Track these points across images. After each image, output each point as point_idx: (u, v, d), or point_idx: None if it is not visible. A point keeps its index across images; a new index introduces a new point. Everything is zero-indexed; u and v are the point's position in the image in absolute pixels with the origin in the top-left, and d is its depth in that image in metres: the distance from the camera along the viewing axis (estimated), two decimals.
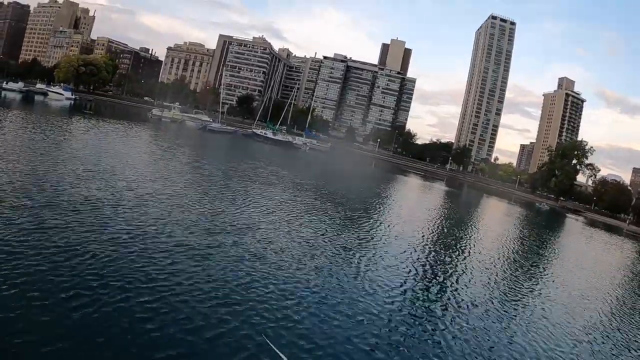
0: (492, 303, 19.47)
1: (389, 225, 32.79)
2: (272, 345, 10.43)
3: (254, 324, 12.18)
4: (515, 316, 18.57)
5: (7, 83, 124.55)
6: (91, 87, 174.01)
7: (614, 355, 17.27)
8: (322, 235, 24.55)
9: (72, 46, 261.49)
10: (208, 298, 13.25)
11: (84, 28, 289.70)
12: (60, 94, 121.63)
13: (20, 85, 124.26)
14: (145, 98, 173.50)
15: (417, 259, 24.21)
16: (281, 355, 9.73)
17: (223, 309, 12.72)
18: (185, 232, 19.06)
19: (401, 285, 18.81)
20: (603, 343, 18.33)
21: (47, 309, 10.55)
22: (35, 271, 12.27)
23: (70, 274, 12.58)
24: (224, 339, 11.09)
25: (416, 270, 21.96)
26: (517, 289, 23.28)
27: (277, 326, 12.43)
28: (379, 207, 42.99)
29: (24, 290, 11.12)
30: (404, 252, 25.08)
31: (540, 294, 23.65)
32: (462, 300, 18.91)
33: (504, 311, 18.74)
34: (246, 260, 17.21)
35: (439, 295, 19.07)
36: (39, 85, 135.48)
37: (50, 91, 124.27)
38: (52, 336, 9.55)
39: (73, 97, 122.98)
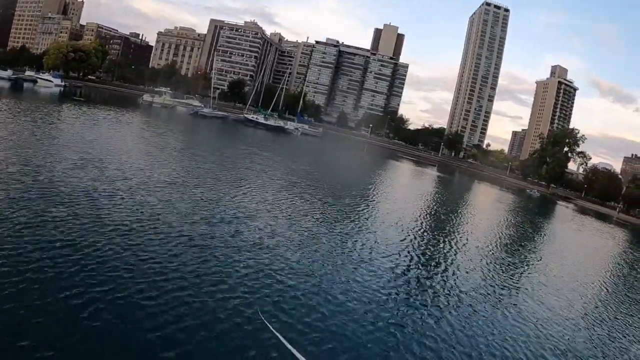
0: (484, 288, 19.75)
1: (380, 211, 33.02)
2: (267, 323, 10.70)
3: (250, 304, 12.42)
4: (507, 301, 18.85)
5: None
6: (81, 74, 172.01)
7: (606, 340, 17.59)
8: (314, 220, 24.74)
9: (61, 32, 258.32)
10: (204, 283, 13.48)
11: (72, 14, 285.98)
12: (50, 81, 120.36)
13: (9, 72, 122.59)
14: (141, 87, 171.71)
15: (408, 245, 24.42)
16: (278, 334, 9.90)
17: (219, 294, 12.94)
18: (179, 219, 19.16)
19: (393, 270, 19.03)
20: (595, 328, 18.65)
21: (44, 303, 10.63)
22: (32, 263, 12.34)
23: (65, 265, 12.67)
24: (222, 322, 11.35)
25: (407, 255, 22.21)
26: (508, 274, 23.60)
27: (273, 309, 12.73)
28: (371, 193, 43.18)
29: (19, 282, 11.18)
30: (396, 237, 25.30)
31: (532, 279, 24.01)
32: (454, 285, 19.16)
33: (496, 297, 18.99)
34: (242, 247, 17.41)
35: (431, 280, 19.29)
36: (28, 73, 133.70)
37: (39, 78, 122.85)
38: (51, 332, 9.65)
39: (62, 84, 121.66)
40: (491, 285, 20.31)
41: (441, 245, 26.68)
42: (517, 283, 22.21)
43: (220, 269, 14.67)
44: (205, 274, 14.06)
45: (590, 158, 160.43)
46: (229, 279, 14.06)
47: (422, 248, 24.55)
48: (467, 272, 21.54)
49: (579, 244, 46.79)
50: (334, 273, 16.76)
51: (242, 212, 22.60)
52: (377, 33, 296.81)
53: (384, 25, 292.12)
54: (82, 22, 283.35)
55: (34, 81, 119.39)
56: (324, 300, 14.05)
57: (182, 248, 15.75)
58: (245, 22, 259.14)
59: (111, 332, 9.93)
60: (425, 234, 28.96)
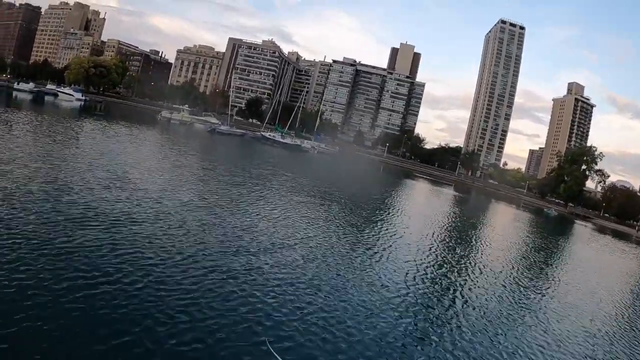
0: (502, 309, 19.25)
1: (397, 230, 32.58)
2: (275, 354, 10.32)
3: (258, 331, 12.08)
4: (526, 323, 18.37)
5: (18, 84, 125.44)
6: (101, 89, 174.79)
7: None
8: (331, 238, 24.46)
9: (83, 48, 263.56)
10: (220, 297, 13.26)
11: (94, 30, 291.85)
12: (71, 95, 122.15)
13: (31, 85, 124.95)
14: (160, 103, 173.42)
15: (425, 264, 24.02)
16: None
17: (232, 311, 12.64)
18: (197, 236, 18.96)
19: (410, 289, 18.72)
20: (613, 346, 18.12)
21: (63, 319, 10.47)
22: (49, 283, 12.14)
23: (84, 284, 12.49)
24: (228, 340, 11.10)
25: (424, 274, 21.85)
26: (526, 295, 23.03)
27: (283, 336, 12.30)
28: (388, 212, 42.77)
29: (39, 299, 11.05)
30: (413, 256, 24.94)
31: (551, 300, 23.39)
32: (472, 304, 18.73)
33: (514, 319, 18.51)
34: (261, 263, 17.18)
35: (448, 301, 18.89)
36: (49, 86, 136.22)
37: (60, 92, 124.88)
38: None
39: (83, 98, 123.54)
40: (508, 307, 19.80)
41: (458, 266, 26.13)
42: (536, 305, 21.61)
43: (236, 284, 14.47)
44: (220, 284, 13.90)
45: (609, 176, 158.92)
46: (240, 299, 13.78)
47: (438, 268, 24.06)
48: (484, 293, 21.06)
49: (598, 264, 45.78)
50: (348, 297, 16.33)
51: (258, 228, 22.40)
52: (394, 52, 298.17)
53: (401, 44, 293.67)
54: (104, 38, 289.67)
55: (55, 94, 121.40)
56: (336, 329, 13.47)
57: (197, 262, 15.56)
58: (263, 41, 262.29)
59: (112, 340, 9.82)
60: (441, 253, 28.47)
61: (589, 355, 16.61)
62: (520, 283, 25.65)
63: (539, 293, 24.60)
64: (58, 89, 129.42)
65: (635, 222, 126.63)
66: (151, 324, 11.04)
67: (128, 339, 10.31)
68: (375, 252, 24.06)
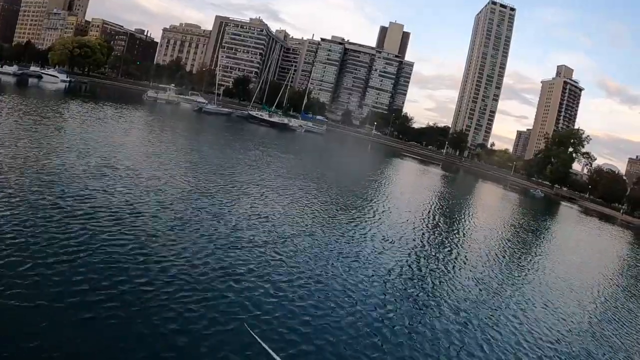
0: (487, 289, 19.65)
1: (385, 209, 32.95)
2: (256, 336, 10.21)
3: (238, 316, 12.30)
4: (511, 303, 18.77)
5: (2, 67, 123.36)
6: (86, 69, 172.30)
7: (609, 338, 17.57)
8: (316, 219, 24.70)
9: (67, 28, 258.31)
10: (208, 278, 13.56)
11: (78, 9, 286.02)
12: (55, 76, 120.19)
13: (14, 68, 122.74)
14: (146, 83, 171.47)
15: (413, 243, 24.41)
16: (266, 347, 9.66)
17: (214, 292, 13.08)
18: (184, 217, 19.18)
19: (395, 271, 19.00)
20: (600, 324, 18.64)
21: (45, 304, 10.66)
22: (39, 263, 12.39)
23: (70, 267, 12.72)
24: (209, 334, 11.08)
25: (409, 256, 22.10)
26: (512, 274, 23.55)
27: (264, 319, 12.47)
28: (375, 191, 43.14)
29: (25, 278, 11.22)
30: (398, 237, 25.26)
31: (537, 279, 23.92)
32: (458, 283, 19.11)
33: (500, 297, 18.94)
34: (251, 245, 17.48)
35: (434, 280, 19.25)
36: (33, 68, 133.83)
37: (44, 74, 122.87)
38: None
39: (68, 79, 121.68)
40: (495, 286, 20.25)
41: (444, 245, 26.63)
42: (521, 284, 22.14)
43: (222, 266, 14.71)
44: (206, 262, 14.13)
45: (595, 159, 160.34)
46: (220, 282, 14.03)
47: (425, 248, 24.49)
48: (470, 272, 21.49)
49: (583, 244, 46.65)
50: (332, 277, 16.53)
51: (246, 209, 22.63)
52: (383, 31, 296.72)
53: (390, 23, 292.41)
54: (88, 18, 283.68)
55: (39, 77, 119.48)
56: (319, 310, 13.63)
57: (185, 244, 15.82)
58: (251, 19, 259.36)
59: (98, 332, 9.97)
60: (428, 232, 28.91)
61: (577, 339, 17.05)
62: (506, 262, 26.17)
63: (525, 273, 25.14)
64: (42, 71, 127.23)
65: (620, 205, 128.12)
66: (134, 313, 11.10)
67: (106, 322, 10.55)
68: (362, 232, 24.40)
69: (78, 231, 14.63)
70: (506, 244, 32.41)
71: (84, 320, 9.93)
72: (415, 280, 18.35)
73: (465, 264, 22.91)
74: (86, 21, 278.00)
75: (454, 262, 22.90)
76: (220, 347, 10.37)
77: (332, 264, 17.70)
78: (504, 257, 27.37)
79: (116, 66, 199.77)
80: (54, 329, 9.45)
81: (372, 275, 17.67)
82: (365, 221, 27.22)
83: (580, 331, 17.51)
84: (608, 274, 32.02)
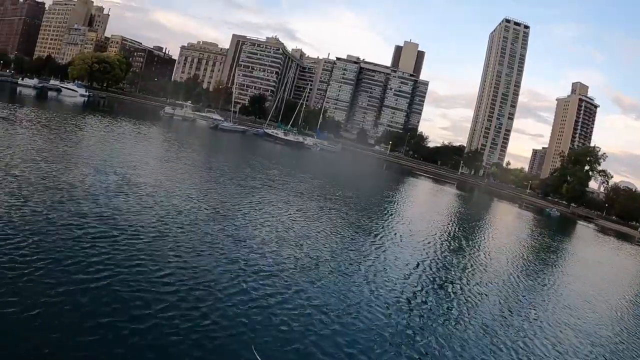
0: (502, 310, 19.17)
1: (399, 228, 32.56)
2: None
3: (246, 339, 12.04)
4: (527, 326, 18.28)
5: (23, 79, 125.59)
6: (104, 85, 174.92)
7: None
8: (330, 236, 24.40)
9: (86, 44, 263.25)
10: (214, 294, 13.21)
11: (98, 26, 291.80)
12: (74, 90, 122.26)
13: (34, 81, 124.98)
14: (163, 99, 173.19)
15: (427, 263, 23.93)
16: None
17: (229, 310, 12.64)
18: (196, 234, 19.00)
19: (409, 287, 18.68)
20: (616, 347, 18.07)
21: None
22: (57, 278, 12.22)
23: (86, 282, 12.52)
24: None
25: (424, 273, 21.73)
26: (528, 296, 22.99)
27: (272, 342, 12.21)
28: (390, 210, 42.72)
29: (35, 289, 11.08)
30: (413, 254, 24.92)
31: (554, 300, 23.34)
32: (471, 306, 18.65)
33: (515, 321, 18.43)
34: (260, 263, 17.13)
35: (448, 300, 18.82)
36: (52, 82, 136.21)
37: (64, 87, 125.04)
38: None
39: (87, 94, 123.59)
40: (510, 308, 19.76)
41: (460, 265, 26.09)
42: (538, 305, 21.59)
43: (235, 284, 14.44)
44: (222, 281, 13.87)
45: (612, 176, 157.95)
46: (240, 293, 13.75)
47: (439, 268, 23.99)
48: (485, 292, 21.02)
49: (601, 264, 45.71)
50: (350, 291, 16.30)
51: (259, 225, 22.42)
52: (398, 50, 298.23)
53: (405, 42, 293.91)
54: (107, 34, 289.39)
55: (59, 90, 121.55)
56: (332, 326, 13.34)
57: (197, 261, 15.58)
58: (267, 38, 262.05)
59: (98, 340, 9.73)
60: (443, 252, 28.41)
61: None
62: (523, 283, 25.57)
63: (542, 294, 24.57)
64: (61, 85, 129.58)
65: (637, 224, 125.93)
66: (134, 323, 10.92)
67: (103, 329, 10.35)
68: (377, 249, 24.01)
69: (96, 249, 14.44)
70: (524, 263, 31.79)
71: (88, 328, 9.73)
72: (429, 297, 17.92)
73: (482, 282, 22.39)
74: (106, 37, 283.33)
75: (471, 279, 22.36)
76: None
77: (350, 289, 17.15)
78: (524, 277, 26.77)
79: (134, 82, 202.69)
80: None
81: (389, 290, 17.43)
82: (383, 238, 26.84)
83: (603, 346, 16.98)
84: (628, 293, 31.24)
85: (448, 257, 27.31)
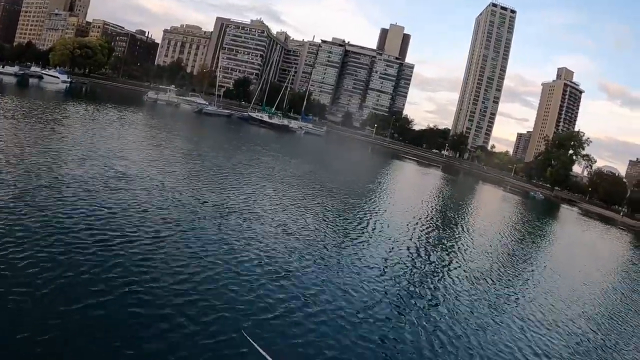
0: (486, 291, 19.65)
1: (384, 211, 33.01)
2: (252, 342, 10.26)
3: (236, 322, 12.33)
4: (510, 305, 18.79)
5: (3, 67, 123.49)
6: (87, 70, 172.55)
7: (608, 340, 17.61)
8: (318, 221, 24.71)
9: (68, 29, 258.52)
10: (203, 280, 13.61)
11: (79, 10, 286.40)
12: (56, 77, 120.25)
13: (15, 68, 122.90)
14: (146, 84, 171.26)
15: (411, 246, 24.39)
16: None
17: (212, 300, 13.05)
18: (181, 220, 19.21)
19: (394, 271, 19.08)
20: (600, 328, 18.68)
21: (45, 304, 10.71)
22: (44, 267, 12.42)
23: (70, 270, 12.70)
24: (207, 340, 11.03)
25: (409, 257, 22.15)
26: (512, 277, 23.54)
27: (261, 326, 12.52)
28: (375, 193, 43.08)
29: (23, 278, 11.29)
30: (399, 238, 25.34)
31: (537, 281, 23.95)
32: (456, 288, 19.07)
33: (499, 301, 18.93)
34: (247, 248, 17.44)
35: (433, 282, 19.29)
36: (33, 69, 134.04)
37: (45, 74, 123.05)
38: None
39: (69, 80, 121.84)
40: (494, 289, 20.27)
41: (445, 247, 26.65)
42: (521, 286, 22.15)
43: (216, 271, 14.71)
44: (201, 267, 14.17)
45: (595, 161, 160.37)
46: (224, 280, 14.10)
47: (425, 250, 24.52)
48: (470, 273, 21.50)
49: (584, 246, 46.69)
50: (336, 275, 16.75)
51: (243, 211, 22.66)
52: (383, 33, 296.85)
53: (390, 25, 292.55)
54: (89, 18, 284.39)
55: (40, 77, 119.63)
56: (315, 314, 13.54)
57: (180, 246, 15.85)
58: (252, 21, 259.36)
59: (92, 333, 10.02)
60: (428, 234, 28.93)
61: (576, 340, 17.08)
62: (506, 264, 26.14)
63: (525, 275, 25.19)
64: (43, 72, 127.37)
65: (620, 208, 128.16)
66: (130, 314, 11.10)
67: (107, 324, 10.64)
68: (362, 234, 24.41)
69: (89, 242, 14.65)
70: (508, 245, 32.43)
71: (90, 317, 10.00)
72: (413, 281, 18.36)
73: (467, 265, 22.88)
74: (87, 22, 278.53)
75: (458, 267, 22.72)
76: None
77: (335, 271, 17.51)
78: (506, 258, 27.33)
79: (117, 67, 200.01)
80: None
81: (373, 275, 17.77)
82: (369, 221, 27.30)
83: (588, 336, 17.54)
84: (608, 275, 32.03)
85: (434, 240, 27.84)
